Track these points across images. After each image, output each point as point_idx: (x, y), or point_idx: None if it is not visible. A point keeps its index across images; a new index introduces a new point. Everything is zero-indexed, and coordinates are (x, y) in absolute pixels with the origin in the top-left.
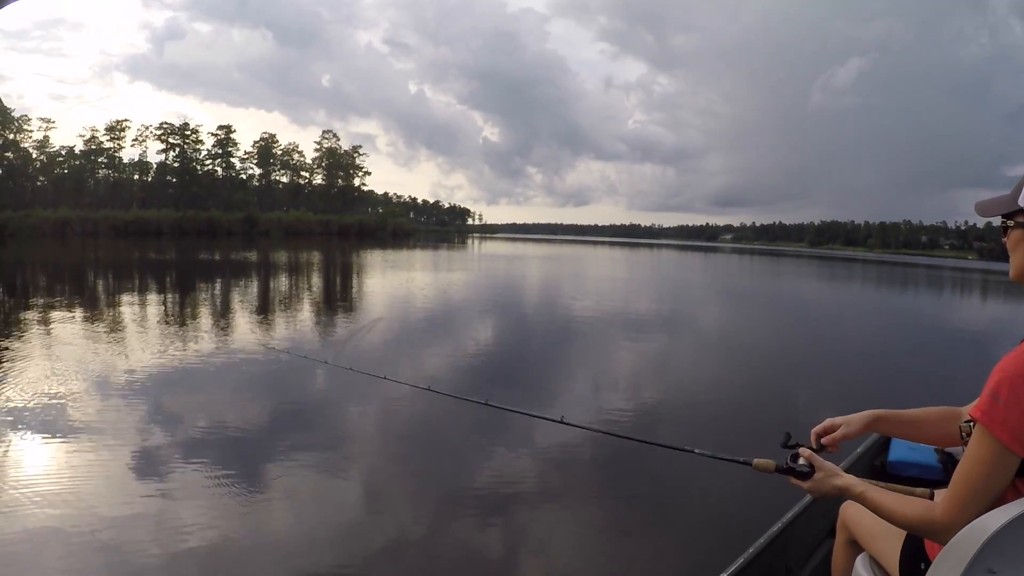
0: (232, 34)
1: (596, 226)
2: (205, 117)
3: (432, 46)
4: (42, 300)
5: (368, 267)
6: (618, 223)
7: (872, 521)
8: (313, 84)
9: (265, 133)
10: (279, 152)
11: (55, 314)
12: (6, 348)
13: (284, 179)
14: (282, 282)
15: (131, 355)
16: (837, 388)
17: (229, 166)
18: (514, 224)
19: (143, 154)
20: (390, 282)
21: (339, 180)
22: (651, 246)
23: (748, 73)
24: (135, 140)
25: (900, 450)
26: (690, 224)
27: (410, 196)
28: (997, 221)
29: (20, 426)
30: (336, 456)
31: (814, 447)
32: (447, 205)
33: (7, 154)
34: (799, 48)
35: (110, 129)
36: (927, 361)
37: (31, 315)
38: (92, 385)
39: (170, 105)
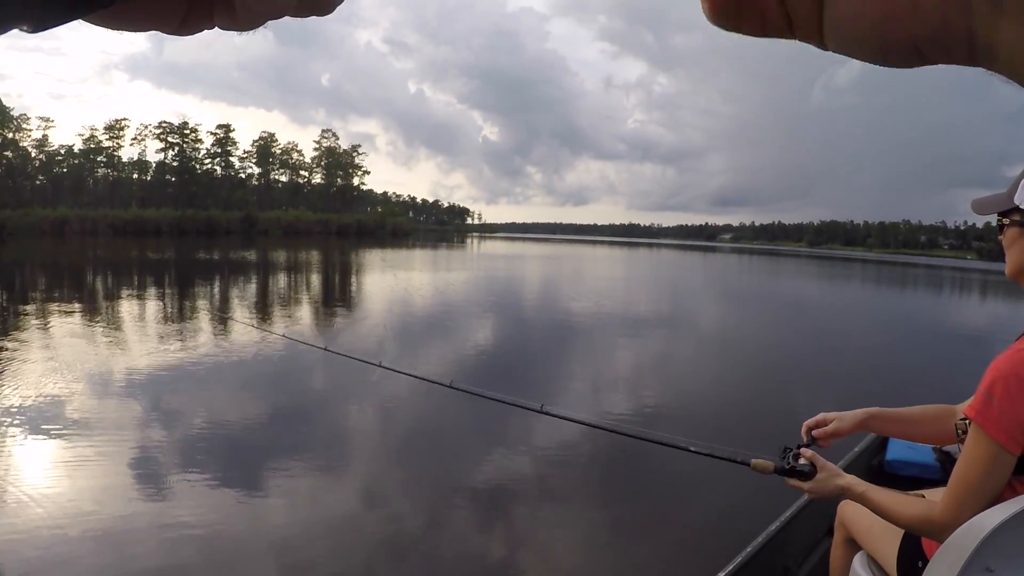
0: (232, 33)
1: (595, 225)
2: (204, 116)
3: (432, 45)
4: (42, 299)
5: (366, 267)
6: (617, 223)
7: (870, 520)
8: (313, 83)
9: (264, 132)
10: (278, 151)
11: (56, 313)
12: (7, 347)
13: (283, 178)
14: (280, 281)
15: (135, 352)
16: (836, 387)
17: (228, 165)
18: (513, 223)
19: (142, 153)
20: (389, 281)
21: (338, 179)
22: (650, 246)
23: (748, 73)
24: (134, 139)
25: (898, 449)
26: (689, 224)
27: (409, 195)
28: (994, 220)
29: (22, 422)
30: (341, 448)
31: (804, 441)
32: (446, 204)
33: (6, 153)
34: (799, 47)
35: (109, 128)
36: (926, 360)
37: (32, 314)
38: (114, 382)
39: (169, 104)
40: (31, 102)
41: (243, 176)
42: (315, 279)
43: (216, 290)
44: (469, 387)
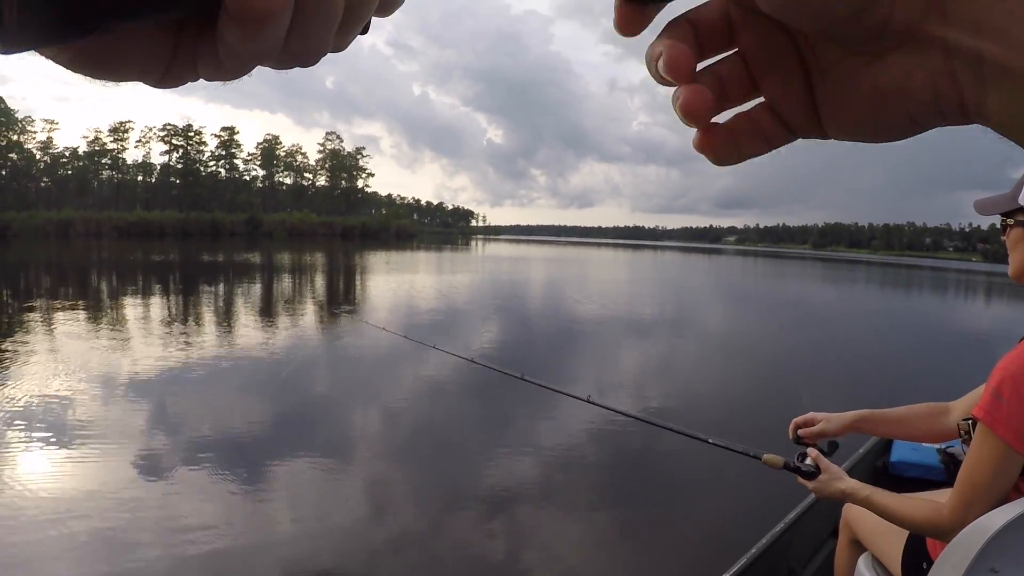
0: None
1: (600, 228)
2: (209, 118)
3: (436, 48)
4: (50, 301)
5: (371, 269)
6: (622, 225)
7: (875, 521)
8: (317, 85)
9: (269, 134)
10: (283, 154)
11: (68, 315)
12: (25, 347)
13: (287, 180)
14: (285, 283)
15: (145, 353)
16: (841, 387)
17: (232, 167)
18: (518, 226)
19: (147, 155)
20: (392, 282)
21: (342, 181)
22: (655, 248)
23: None
24: (139, 141)
25: (902, 451)
26: (694, 226)
27: (414, 198)
28: (998, 221)
29: (30, 421)
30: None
31: (791, 438)
32: (451, 207)
33: (11, 155)
34: None
35: (114, 130)
36: (929, 360)
37: (40, 316)
38: (141, 380)
39: (174, 106)
40: (35, 104)
41: (247, 178)
42: (318, 281)
43: (219, 292)
44: (536, 380)
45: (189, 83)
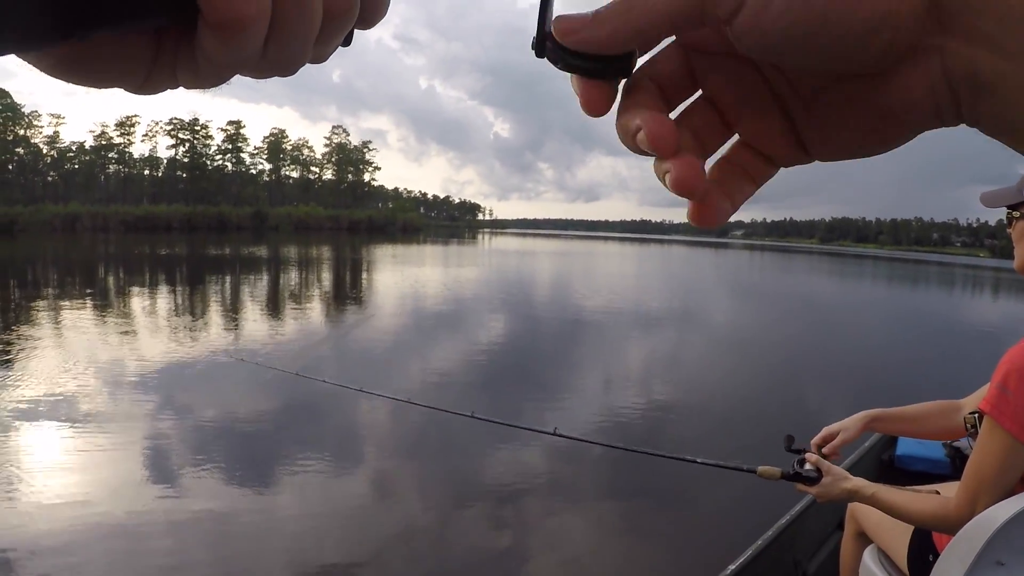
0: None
1: (607, 222)
2: (215, 112)
3: (443, 42)
4: (57, 295)
5: (377, 263)
6: (629, 219)
7: (881, 514)
8: (324, 79)
9: (275, 128)
10: (289, 147)
11: (75, 309)
12: (32, 341)
13: (294, 174)
14: (291, 277)
15: (148, 350)
16: (847, 384)
17: (239, 161)
18: (525, 219)
19: (153, 149)
20: (396, 275)
21: (349, 175)
22: (661, 242)
23: None
24: (145, 135)
25: (907, 445)
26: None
27: (420, 191)
28: (1004, 214)
29: (38, 413)
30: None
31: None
32: (457, 200)
33: (18, 150)
34: None
35: (120, 125)
36: (937, 356)
37: (47, 310)
38: (157, 375)
39: (180, 100)
40: (42, 99)
41: (254, 172)
42: (324, 276)
43: (225, 287)
44: (491, 417)
45: (168, 90)
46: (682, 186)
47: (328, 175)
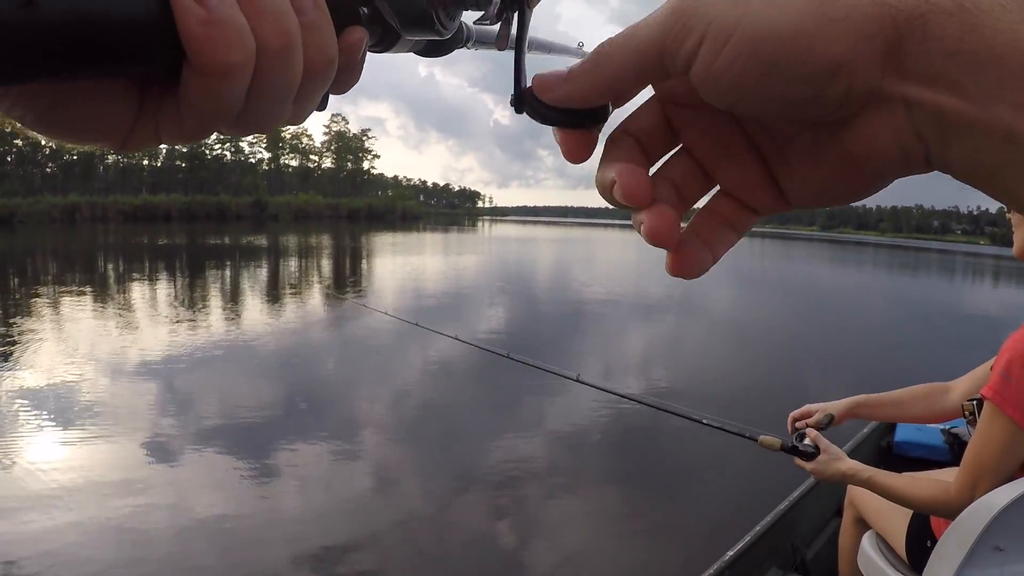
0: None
1: (607, 209)
2: None
3: None
4: (57, 286)
5: (376, 252)
6: None
7: (879, 500)
8: None
9: None
10: (288, 136)
11: (74, 299)
12: (32, 331)
13: (293, 163)
14: (290, 266)
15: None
16: (846, 368)
17: (238, 150)
18: (525, 207)
19: None
20: (396, 264)
21: (348, 163)
22: None
23: None
24: None
25: (906, 431)
26: (700, 206)
27: (420, 179)
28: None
29: (39, 404)
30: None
31: (788, 431)
32: (457, 188)
33: (16, 142)
34: None
35: None
36: (934, 341)
37: (47, 301)
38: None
39: None
40: None
41: (253, 161)
42: (324, 263)
43: (226, 277)
44: (524, 358)
45: (151, 147)
46: (655, 236)
47: (327, 163)
